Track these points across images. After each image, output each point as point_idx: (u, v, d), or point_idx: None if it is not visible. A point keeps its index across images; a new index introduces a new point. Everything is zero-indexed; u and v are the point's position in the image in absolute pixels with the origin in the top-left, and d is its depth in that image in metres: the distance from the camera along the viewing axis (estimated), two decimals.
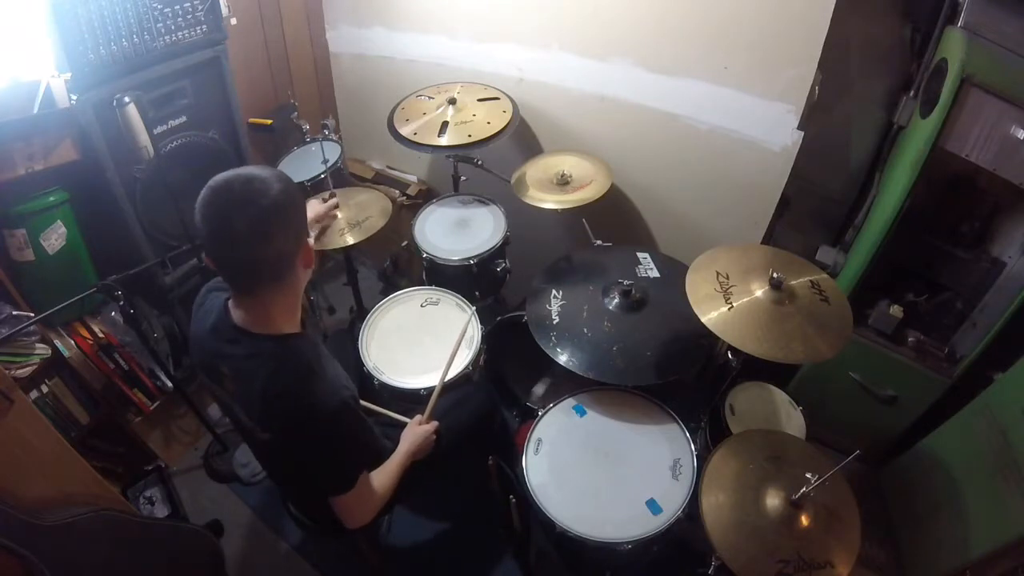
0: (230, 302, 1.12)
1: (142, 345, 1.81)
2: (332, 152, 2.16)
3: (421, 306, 1.85)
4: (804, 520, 1.22)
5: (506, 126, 1.94)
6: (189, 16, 1.75)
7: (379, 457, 1.30)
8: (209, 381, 1.20)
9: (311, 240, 1.12)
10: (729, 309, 1.33)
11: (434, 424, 1.46)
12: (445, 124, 1.96)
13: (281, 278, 1.07)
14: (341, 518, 1.22)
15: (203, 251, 1.03)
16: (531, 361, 1.73)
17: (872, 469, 2.06)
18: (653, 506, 1.40)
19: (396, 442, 1.40)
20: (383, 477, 1.30)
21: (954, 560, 1.61)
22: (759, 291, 1.36)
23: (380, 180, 2.67)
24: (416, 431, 1.42)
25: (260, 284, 1.06)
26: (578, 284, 1.78)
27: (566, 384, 1.68)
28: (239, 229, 0.97)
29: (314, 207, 1.80)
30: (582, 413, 1.61)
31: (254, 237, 0.99)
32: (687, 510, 1.38)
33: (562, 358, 1.57)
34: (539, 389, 1.95)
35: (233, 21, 2.09)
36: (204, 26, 1.80)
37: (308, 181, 2.11)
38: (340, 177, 2.31)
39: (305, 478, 1.23)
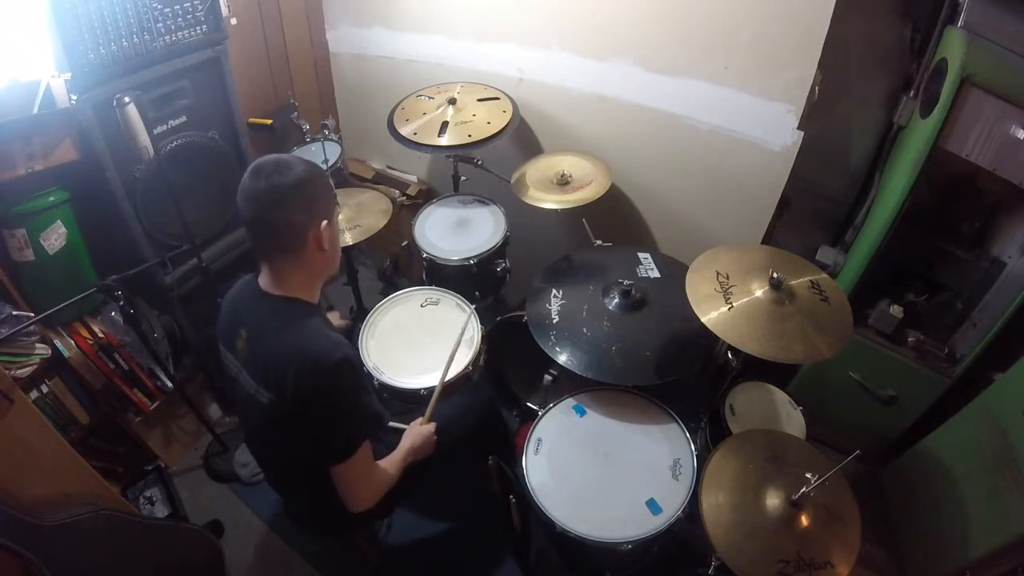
0: (260, 276, 1.24)
1: (142, 345, 1.81)
2: (332, 152, 2.16)
3: (421, 306, 1.85)
4: (804, 520, 1.22)
5: (506, 126, 1.94)
6: (189, 16, 1.74)
7: (379, 424, 1.29)
8: (226, 353, 1.27)
9: (327, 225, 1.18)
10: (729, 309, 1.33)
11: (434, 425, 1.46)
12: (445, 124, 1.96)
13: (293, 250, 1.16)
14: (344, 497, 1.23)
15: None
16: (531, 361, 1.73)
17: (872, 469, 2.06)
18: (653, 506, 1.40)
19: (393, 446, 1.41)
20: (388, 463, 1.32)
21: (954, 560, 1.61)
22: (759, 291, 1.36)
23: (380, 180, 2.67)
24: (418, 431, 1.43)
25: (275, 251, 1.18)
26: (578, 284, 1.78)
27: (566, 383, 1.68)
28: (259, 191, 1.12)
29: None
30: (582, 413, 1.61)
31: (268, 199, 1.12)
32: (687, 510, 1.38)
33: (561, 358, 1.57)
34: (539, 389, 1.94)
35: (233, 21, 2.09)
36: (204, 26, 1.80)
37: None
38: (340, 177, 2.32)
39: (305, 452, 1.23)
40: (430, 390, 1.56)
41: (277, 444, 1.31)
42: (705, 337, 1.50)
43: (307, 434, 1.18)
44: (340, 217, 1.88)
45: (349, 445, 1.18)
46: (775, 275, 1.34)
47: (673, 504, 1.39)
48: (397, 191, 2.55)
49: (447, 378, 1.57)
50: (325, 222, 1.18)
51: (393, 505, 1.50)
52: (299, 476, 1.35)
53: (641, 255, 1.88)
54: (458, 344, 1.65)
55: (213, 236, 2.03)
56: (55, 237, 1.67)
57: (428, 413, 1.49)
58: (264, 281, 1.22)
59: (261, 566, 1.89)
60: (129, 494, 1.97)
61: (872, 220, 1.82)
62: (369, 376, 1.64)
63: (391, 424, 1.52)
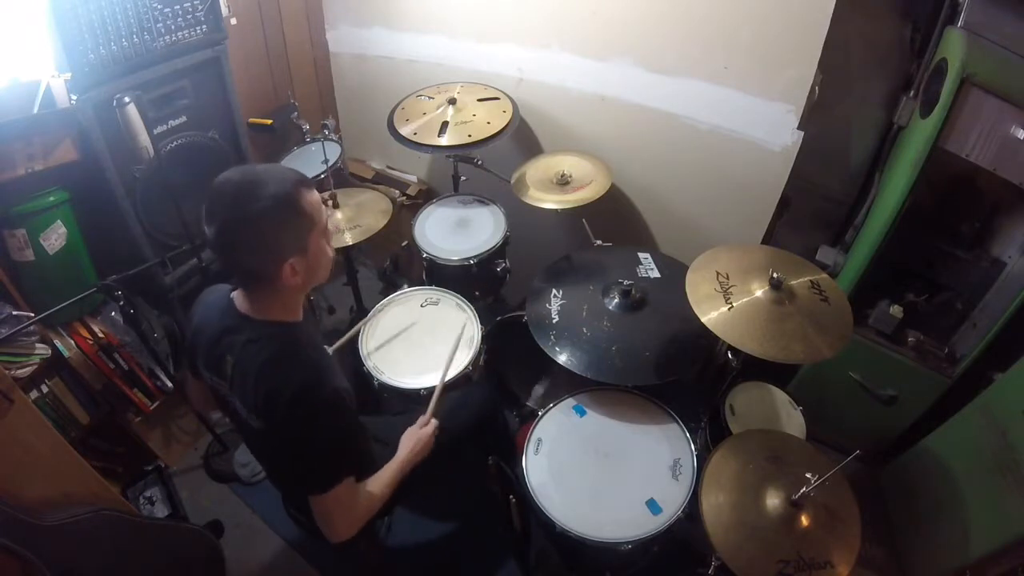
0: (234, 293, 1.15)
1: (142, 345, 1.81)
2: (332, 152, 2.16)
3: (421, 306, 1.85)
4: (804, 520, 1.22)
5: (506, 126, 1.94)
6: (189, 16, 1.75)
7: (367, 463, 1.26)
8: (211, 377, 1.21)
9: (298, 259, 1.06)
10: (729, 309, 1.33)
11: (434, 424, 1.44)
12: (445, 124, 1.97)
13: (260, 282, 1.09)
14: (320, 526, 1.17)
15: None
16: (531, 361, 1.73)
17: (872, 469, 2.06)
18: (653, 506, 1.40)
19: (395, 446, 1.38)
20: (378, 483, 1.26)
21: (954, 560, 1.61)
22: (759, 291, 1.36)
23: (380, 180, 2.67)
24: (417, 435, 1.38)
25: (244, 280, 1.11)
26: (578, 284, 1.78)
27: (566, 384, 1.68)
28: (214, 228, 1.02)
29: None
30: (582, 413, 1.61)
31: (222, 241, 1.03)
32: (687, 510, 1.38)
33: (561, 358, 1.57)
34: (539, 389, 1.94)
35: (233, 21, 2.09)
36: (204, 26, 1.80)
37: None
38: (340, 177, 2.32)
39: (293, 473, 1.22)
40: (430, 390, 1.56)
41: (273, 455, 1.31)
42: (705, 337, 1.50)
43: (290, 458, 1.15)
44: (340, 217, 1.88)
45: (326, 478, 1.13)
46: (775, 275, 1.34)
47: (673, 504, 1.39)
48: (397, 191, 2.55)
49: (447, 379, 1.57)
50: (293, 258, 1.05)
51: (393, 504, 1.50)
52: (291, 478, 1.34)
53: (641, 255, 1.88)
54: (457, 345, 1.65)
55: None
56: (55, 237, 1.67)
57: (428, 413, 1.48)
58: (242, 303, 1.13)
59: (261, 566, 1.89)
60: (129, 494, 1.97)
61: (872, 220, 1.82)
62: (369, 376, 1.64)
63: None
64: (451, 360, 1.61)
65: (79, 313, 1.81)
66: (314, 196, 1.08)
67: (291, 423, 1.08)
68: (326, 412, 1.10)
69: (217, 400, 1.27)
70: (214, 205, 1.01)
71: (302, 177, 1.08)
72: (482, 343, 1.72)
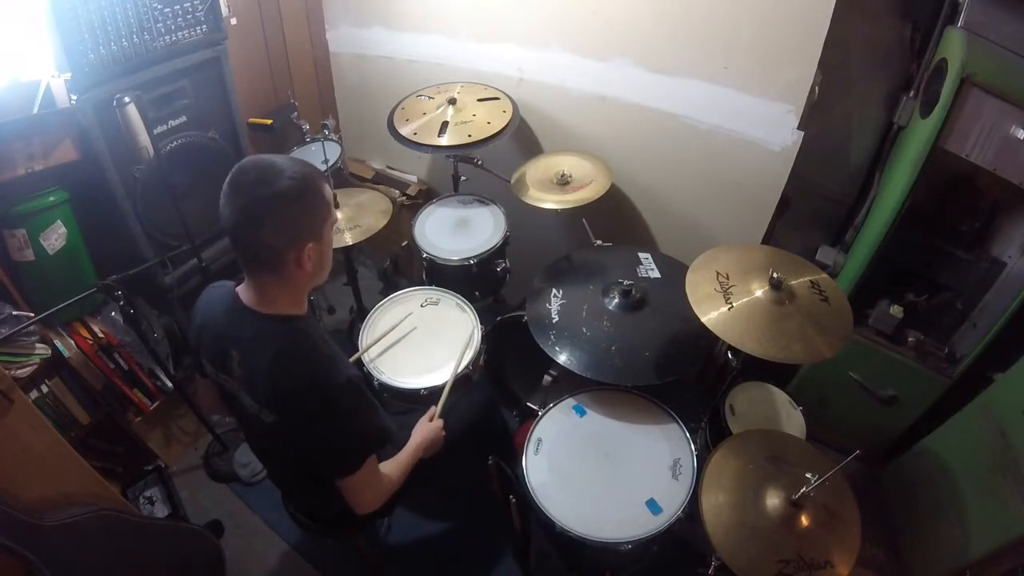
0: (240, 287, 1.16)
1: (142, 345, 1.81)
2: (332, 152, 2.16)
3: (421, 306, 1.85)
4: (804, 520, 1.22)
5: (506, 126, 1.94)
6: (189, 16, 1.75)
7: (386, 438, 1.29)
8: (218, 373, 1.21)
9: (313, 246, 1.08)
10: (729, 309, 1.33)
11: (442, 421, 1.46)
12: (445, 124, 1.96)
13: (274, 269, 1.08)
14: (350, 503, 1.22)
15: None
16: (531, 361, 1.73)
17: (872, 469, 2.06)
18: (653, 506, 1.39)
19: (408, 434, 1.41)
20: (393, 468, 1.31)
21: (954, 560, 1.61)
22: (759, 291, 1.36)
23: (380, 180, 2.67)
24: (428, 427, 1.43)
25: (256, 267, 1.09)
26: (578, 284, 1.78)
27: (568, 381, 1.68)
28: (237, 207, 1.02)
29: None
30: (582, 413, 1.61)
31: (245, 219, 1.03)
32: (687, 510, 1.38)
33: (561, 357, 1.57)
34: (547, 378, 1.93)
35: (233, 21, 2.09)
36: (204, 26, 1.80)
37: None
38: (340, 177, 2.32)
39: (309, 465, 1.23)
40: (430, 390, 1.56)
41: (280, 453, 1.31)
42: (705, 337, 1.50)
43: (312, 449, 1.17)
44: (340, 217, 1.87)
45: (355, 460, 1.16)
46: (775, 275, 1.34)
47: (673, 504, 1.39)
48: (397, 191, 2.55)
49: (459, 370, 1.58)
50: (311, 244, 1.07)
51: (393, 504, 1.50)
52: (300, 478, 1.35)
53: (641, 255, 1.88)
54: (467, 346, 1.66)
55: (213, 236, 2.03)
56: (55, 237, 1.67)
57: (439, 409, 1.49)
58: (248, 296, 1.13)
59: (261, 566, 1.89)
60: (129, 494, 1.97)
61: (872, 220, 1.82)
62: (369, 376, 1.64)
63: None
64: (461, 358, 1.62)
65: (79, 313, 1.81)
66: (329, 189, 1.11)
67: (310, 415, 1.09)
68: (344, 401, 1.11)
69: (223, 397, 1.28)
70: (239, 184, 1.02)
71: (319, 170, 1.10)
72: (482, 343, 1.72)
